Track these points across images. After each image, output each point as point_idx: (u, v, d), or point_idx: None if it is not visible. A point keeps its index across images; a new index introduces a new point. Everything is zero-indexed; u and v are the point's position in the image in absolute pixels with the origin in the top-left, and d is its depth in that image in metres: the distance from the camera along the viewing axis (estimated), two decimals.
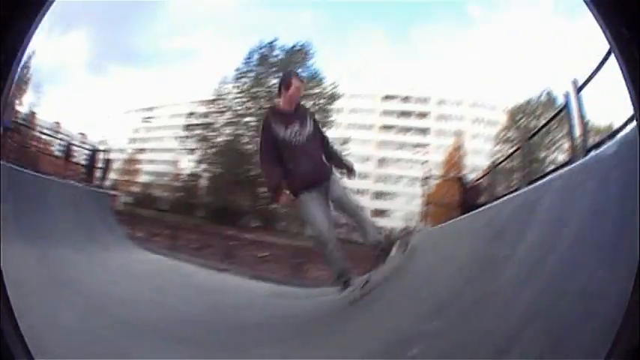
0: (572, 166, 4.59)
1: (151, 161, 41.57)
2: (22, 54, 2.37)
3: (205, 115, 38.13)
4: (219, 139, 37.33)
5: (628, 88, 2.29)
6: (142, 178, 40.82)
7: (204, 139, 37.54)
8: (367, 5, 49.42)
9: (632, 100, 2.28)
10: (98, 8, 36.93)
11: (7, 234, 6.47)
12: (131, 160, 41.41)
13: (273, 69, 37.14)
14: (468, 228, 7.11)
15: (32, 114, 21.87)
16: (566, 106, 9.15)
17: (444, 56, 47.70)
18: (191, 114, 38.95)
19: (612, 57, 6.55)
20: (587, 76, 8.05)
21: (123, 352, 4.80)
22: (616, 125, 7.11)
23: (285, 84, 7.34)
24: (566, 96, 8.98)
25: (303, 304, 9.73)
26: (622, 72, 2.32)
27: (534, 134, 16.54)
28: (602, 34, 2.38)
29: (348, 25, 47.39)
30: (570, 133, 9.00)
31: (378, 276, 7.58)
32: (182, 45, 52.96)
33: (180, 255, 18.30)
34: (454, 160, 37.51)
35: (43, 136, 20.44)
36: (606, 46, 6.62)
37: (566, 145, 9.66)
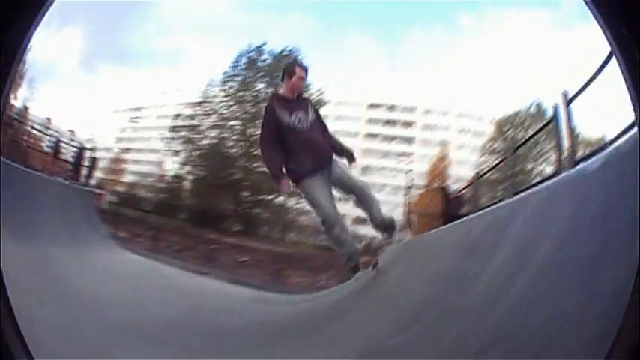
0: (549, 183, 4.66)
1: (137, 161, 41.53)
2: (22, 54, 2.37)
3: (191, 117, 38.18)
4: (204, 142, 37.43)
5: (628, 89, 2.29)
6: (127, 178, 40.80)
7: (189, 141, 37.64)
8: (357, 13, 49.72)
9: (632, 100, 2.29)
10: (92, 7, 37.06)
11: None
12: (117, 160, 41.39)
13: (260, 73, 37.28)
14: (444, 241, 7.18)
15: (25, 109, 21.75)
16: (554, 118, 9.12)
17: (432, 66, 47.93)
18: (177, 116, 38.96)
19: (604, 71, 6.58)
20: (577, 89, 8.02)
21: (98, 350, 4.80)
22: (608, 138, 7.10)
23: (288, 72, 7.35)
24: (555, 108, 8.95)
25: (282, 310, 9.75)
26: (622, 72, 2.32)
27: (520, 146, 16.52)
28: (602, 34, 2.37)
29: (337, 32, 47.71)
30: (558, 146, 8.97)
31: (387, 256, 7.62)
32: (172, 46, 53.40)
33: (161, 257, 18.32)
34: (438, 170, 37.68)
35: (34, 132, 20.36)
36: (599, 60, 6.71)
37: (555, 157, 9.63)
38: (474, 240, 5.69)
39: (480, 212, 7.47)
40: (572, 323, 2.73)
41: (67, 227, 10.74)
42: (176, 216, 35.65)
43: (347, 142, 8.00)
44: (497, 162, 20.72)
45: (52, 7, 2.45)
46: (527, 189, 7.00)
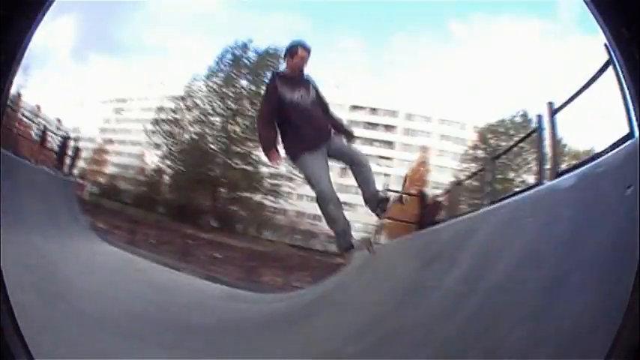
0: (520, 197, 4.78)
1: (119, 153, 41.35)
2: (22, 54, 2.39)
3: (174, 111, 38.07)
4: (185, 137, 37.39)
5: (628, 88, 2.30)
6: (109, 170, 40.59)
7: (170, 135, 37.56)
8: (343, 14, 49.72)
9: (632, 100, 2.30)
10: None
11: None
12: (100, 150, 41.18)
13: (244, 71, 37.25)
14: (408, 250, 7.34)
15: (18, 96, 21.59)
16: (538, 128, 9.08)
17: (417, 70, 48.10)
18: (160, 109, 38.85)
19: (593, 85, 6.61)
20: (565, 100, 7.96)
21: (71, 339, 4.92)
22: (596, 150, 7.03)
23: (291, 52, 7.41)
24: (539, 118, 8.91)
25: (253, 308, 9.89)
26: (622, 72, 2.34)
27: (500, 155, 16.53)
28: (602, 34, 2.37)
29: (323, 33, 47.56)
30: (540, 156, 8.93)
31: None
32: (160, 39, 53.08)
33: (138, 250, 18.33)
34: (417, 175, 37.71)
35: (24, 119, 20.25)
36: (588, 73, 6.74)
37: (536, 167, 9.62)
38: (434, 252, 5.87)
39: (448, 222, 7.62)
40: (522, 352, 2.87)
41: (50, 218, 10.83)
42: (154, 209, 35.50)
43: None
44: (475, 170, 20.76)
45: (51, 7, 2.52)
46: (499, 200, 7.11)
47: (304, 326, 6.73)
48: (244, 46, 38.00)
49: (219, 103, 37.19)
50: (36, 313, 5.23)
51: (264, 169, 35.33)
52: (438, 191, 22.22)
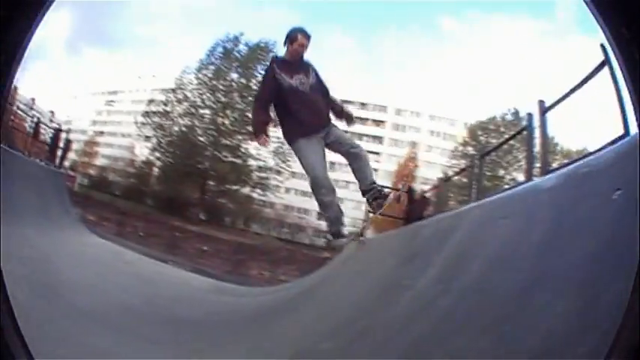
0: (501, 195, 4.83)
1: (109, 145, 41.31)
2: (22, 54, 2.36)
3: (164, 103, 38.02)
4: (174, 129, 37.35)
5: (628, 88, 2.28)
6: (99, 161, 40.59)
7: (160, 127, 37.55)
8: (335, 9, 49.77)
9: (632, 100, 2.28)
10: None
11: None
12: (90, 142, 41.16)
13: (235, 64, 37.24)
14: (389, 246, 7.43)
15: (15, 89, 21.51)
16: (528, 126, 9.03)
17: (408, 66, 48.18)
18: (151, 101, 38.82)
19: (586, 85, 6.62)
20: (556, 99, 7.93)
21: (58, 332, 4.99)
22: (588, 150, 6.97)
23: (290, 38, 7.42)
24: (530, 116, 8.86)
25: (240, 301, 9.97)
26: (622, 72, 2.32)
27: (489, 152, 16.49)
28: (602, 34, 2.35)
29: (314, 27, 47.54)
30: (530, 154, 8.88)
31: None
32: (152, 32, 53.06)
33: (126, 242, 18.36)
34: (406, 170, 37.81)
35: (19, 112, 20.23)
36: (581, 73, 6.76)
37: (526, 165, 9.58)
38: (413, 249, 5.96)
39: (430, 219, 7.70)
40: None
41: (42, 210, 10.91)
42: (143, 201, 35.56)
43: None
44: (463, 167, 20.83)
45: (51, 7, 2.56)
46: (482, 198, 7.14)
47: (289, 320, 6.82)
48: (235, 39, 38.10)
49: (209, 95, 37.29)
50: (29, 306, 5.31)
51: (252, 162, 35.63)
52: (427, 187, 22.33)
